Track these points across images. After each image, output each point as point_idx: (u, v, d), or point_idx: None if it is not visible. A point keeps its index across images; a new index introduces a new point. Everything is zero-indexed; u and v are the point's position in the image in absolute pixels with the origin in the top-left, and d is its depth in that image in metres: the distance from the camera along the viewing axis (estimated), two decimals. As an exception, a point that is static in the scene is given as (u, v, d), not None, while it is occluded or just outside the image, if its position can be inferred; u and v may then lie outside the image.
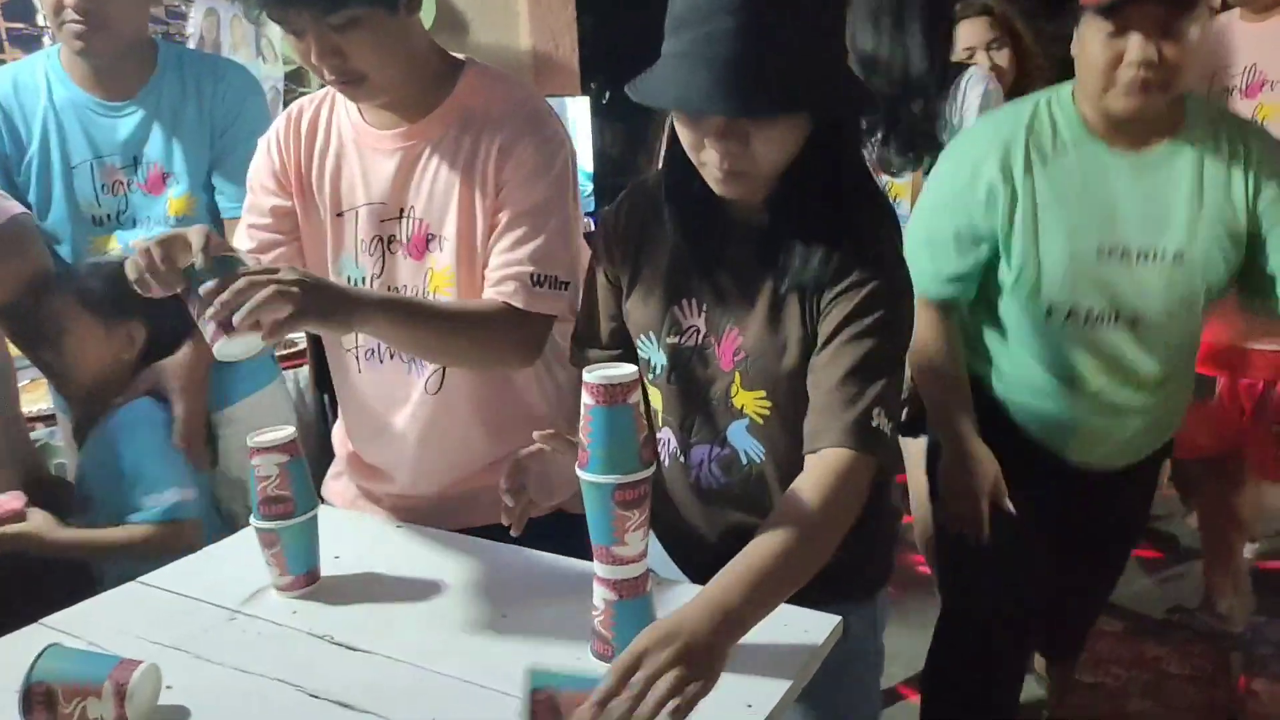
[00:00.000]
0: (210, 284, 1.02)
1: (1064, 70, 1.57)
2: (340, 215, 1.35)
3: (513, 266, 1.26)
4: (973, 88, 1.93)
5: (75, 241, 1.76)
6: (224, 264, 1.04)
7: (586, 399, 0.94)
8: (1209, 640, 2.34)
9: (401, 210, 1.32)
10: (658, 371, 1.19)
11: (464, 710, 0.96)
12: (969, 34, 2.29)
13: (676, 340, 1.16)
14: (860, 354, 1.05)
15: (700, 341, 1.15)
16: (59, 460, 2.05)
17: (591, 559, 1.00)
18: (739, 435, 1.15)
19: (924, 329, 1.55)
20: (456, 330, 1.25)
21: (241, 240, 1.39)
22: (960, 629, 1.79)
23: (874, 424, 1.04)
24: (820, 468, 1.04)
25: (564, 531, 1.34)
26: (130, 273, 1.07)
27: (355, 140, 1.34)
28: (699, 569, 1.20)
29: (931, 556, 2.10)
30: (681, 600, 1.07)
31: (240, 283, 1.00)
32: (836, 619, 1.07)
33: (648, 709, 0.81)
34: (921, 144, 1.92)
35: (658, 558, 1.25)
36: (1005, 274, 1.54)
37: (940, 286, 1.59)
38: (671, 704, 0.81)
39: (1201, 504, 2.55)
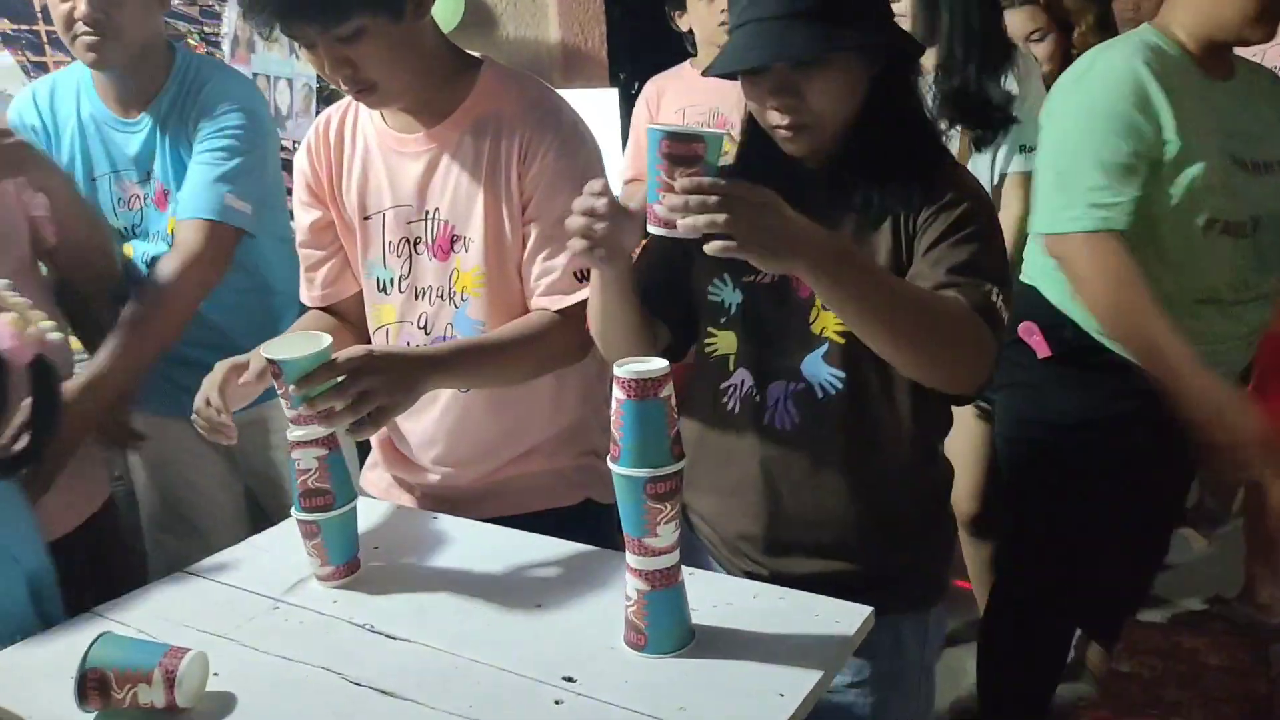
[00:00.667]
0: (299, 411, 1.12)
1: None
2: (368, 219, 1.38)
3: (554, 273, 1.30)
4: (1029, 73, 2.02)
5: None
6: (290, 368, 1.10)
7: (618, 393, 0.95)
8: (1248, 631, 2.32)
9: (426, 212, 1.34)
10: (732, 312, 1.21)
11: (501, 698, 0.98)
12: (1011, 24, 2.27)
13: (753, 278, 1.19)
14: (971, 252, 1.08)
15: (776, 278, 1.17)
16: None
17: (622, 548, 1.02)
18: (815, 366, 1.17)
19: (1117, 267, 1.52)
20: (518, 356, 1.30)
21: (300, 259, 1.47)
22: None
23: (993, 300, 1.06)
24: (952, 297, 1.05)
25: (594, 520, 1.36)
26: (204, 434, 1.24)
27: (379, 144, 1.36)
28: (744, 539, 1.22)
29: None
30: (715, 591, 1.10)
31: (327, 399, 1.09)
32: (868, 609, 1.08)
33: None
34: (972, 119, 2.00)
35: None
36: (1165, 194, 1.56)
37: (1128, 214, 1.52)
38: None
39: (1246, 490, 2.52)
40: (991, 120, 1.99)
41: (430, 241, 1.35)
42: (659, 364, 0.96)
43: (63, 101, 1.76)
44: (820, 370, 1.16)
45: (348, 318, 1.46)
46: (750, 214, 0.92)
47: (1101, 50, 1.67)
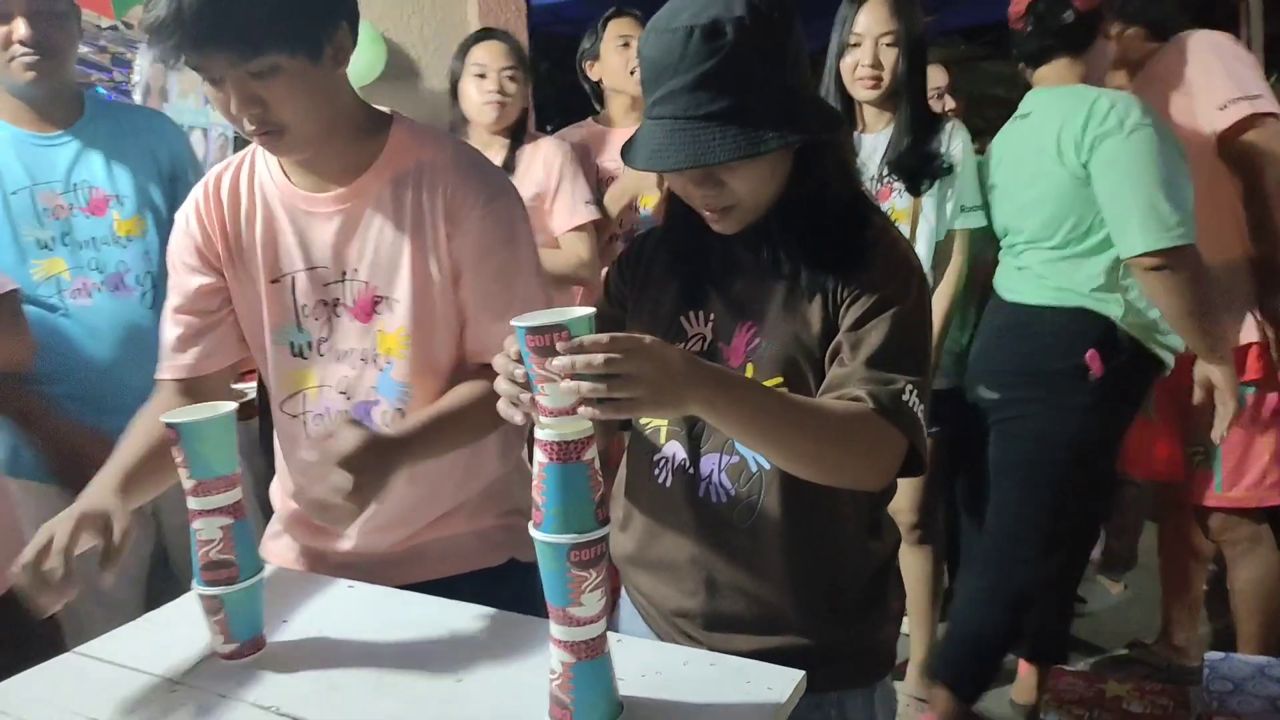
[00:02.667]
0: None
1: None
2: (276, 281, 1.31)
3: (490, 340, 1.26)
4: (956, 134, 2.20)
5: (15, 266, 1.74)
6: (188, 431, 1.05)
7: (540, 456, 0.92)
8: (1168, 676, 2.36)
9: (344, 273, 1.29)
10: None
11: (417, 783, 0.93)
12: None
13: (682, 347, 1.16)
14: (887, 338, 1.07)
15: (706, 348, 1.16)
16: None
17: (545, 610, 0.97)
18: None
19: (1201, 270, 1.90)
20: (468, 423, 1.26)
21: (167, 328, 1.35)
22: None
23: (904, 399, 1.05)
24: (857, 405, 1.04)
25: (519, 580, 1.31)
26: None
27: (285, 203, 1.30)
28: (682, 616, 1.19)
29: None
30: (642, 659, 1.06)
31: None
32: (800, 674, 1.05)
33: None
34: (918, 176, 2.18)
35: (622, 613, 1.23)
36: None
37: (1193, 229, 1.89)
38: None
39: (1160, 531, 2.58)
40: (930, 171, 2.18)
41: (350, 304, 1.30)
42: (582, 424, 0.91)
43: None
44: None
45: (209, 394, 1.30)
46: (632, 372, 0.88)
47: (1127, 105, 1.93)
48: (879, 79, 2.14)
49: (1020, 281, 2.12)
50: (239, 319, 1.36)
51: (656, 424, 1.21)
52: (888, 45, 2.13)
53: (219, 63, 1.11)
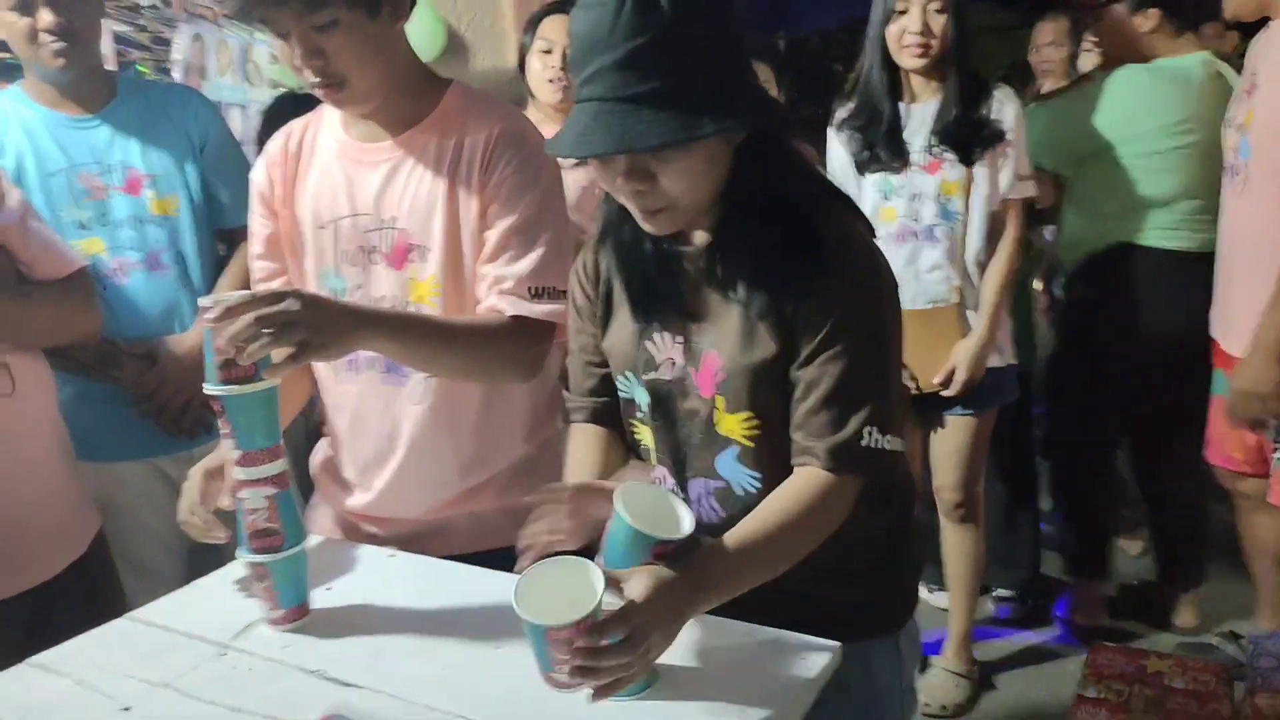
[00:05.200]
0: (214, 320, 1.03)
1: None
2: (322, 228, 1.36)
3: (509, 280, 1.28)
4: (1008, 101, 2.15)
5: None
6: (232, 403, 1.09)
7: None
8: (1211, 654, 2.33)
9: (383, 220, 1.32)
10: (644, 409, 1.17)
11: (459, 746, 0.95)
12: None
13: (654, 376, 1.15)
14: (843, 371, 1.04)
15: (678, 373, 1.13)
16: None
17: None
18: (729, 466, 1.13)
19: None
20: (460, 344, 1.27)
21: (252, 274, 1.45)
22: None
23: (863, 443, 1.03)
24: (802, 482, 1.05)
25: None
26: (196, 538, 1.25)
27: (340, 155, 1.35)
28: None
29: None
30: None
31: (246, 318, 1.02)
32: (835, 645, 1.06)
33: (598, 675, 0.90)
34: (970, 145, 2.13)
35: None
36: None
37: None
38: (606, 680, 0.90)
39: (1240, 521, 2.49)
40: (981, 140, 2.13)
41: (386, 250, 1.33)
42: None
43: None
44: (736, 471, 1.13)
45: None
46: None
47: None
48: (928, 46, 2.08)
49: None
50: (292, 269, 1.41)
51: (645, 443, 1.20)
52: (937, 11, 2.06)
53: (286, 16, 1.17)
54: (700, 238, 1.11)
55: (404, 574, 1.30)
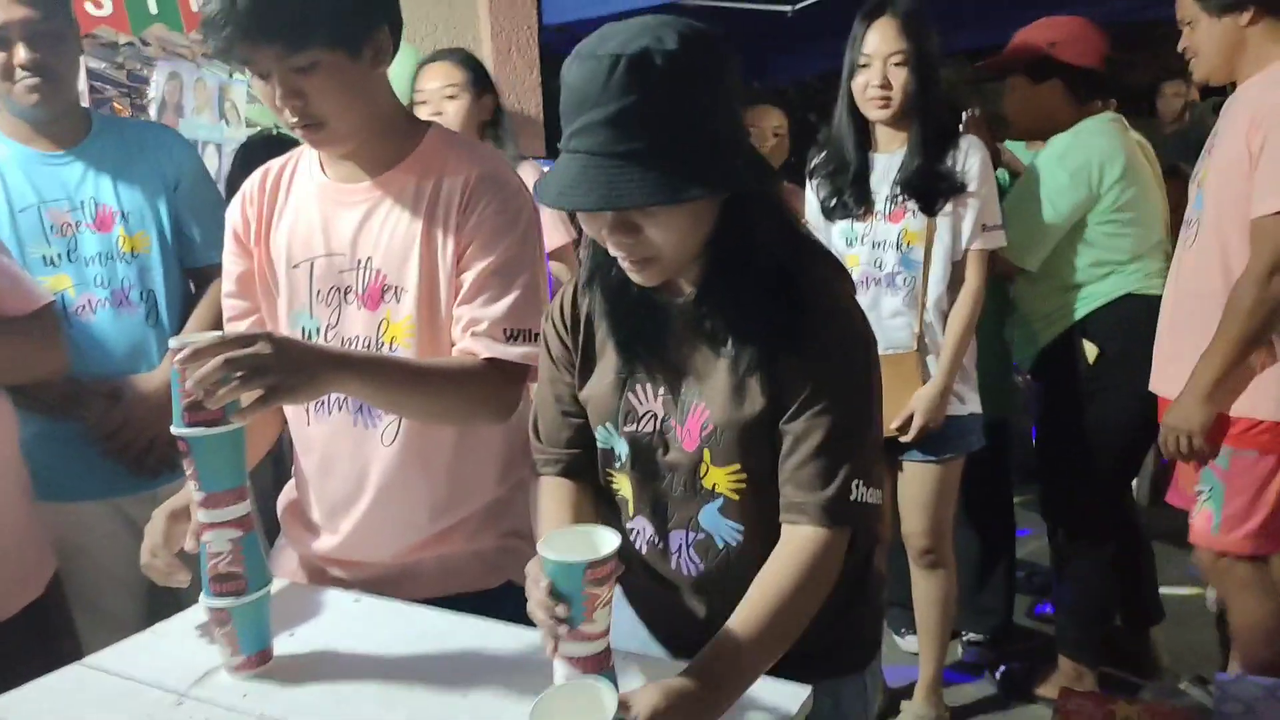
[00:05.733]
0: (183, 361, 1.02)
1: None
2: (296, 267, 1.36)
3: (484, 322, 1.27)
4: (973, 152, 2.18)
5: None
6: (199, 445, 1.07)
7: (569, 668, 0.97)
8: (1179, 699, 2.33)
9: (359, 260, 1.32)
10: (622, 461, 1.17)
11: (422, 798, 0.93)
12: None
13: (634, 428, 1.14)
14: (831, 425, 1.04)
15: (660, 426, 1.13)
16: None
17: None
18: (711, 518, 1.12)
19: None
20: (431, 385, 1.26)
21: (225, 305, 1.44)
22: None
23: (852, 498, 1.04)
24: (797, 545, 1.04)
25: (514, 603, 1.30)
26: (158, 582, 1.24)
27: (317, 195, 1.35)
28: (685, 648, 1.17)
29: None
30: (648, 674, 1.05)
31: (216, 361, 1.01)
32: (807, 689, 1.05)
33: None
34: (932, 196, 2.16)
35: (624, 627, 1.23)
36: None
37: None
38: None
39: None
40: (943, 191, 2.17)
41: (361, 291, 1.32)
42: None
43: None
44: (718, 523, 1.13)
45: None
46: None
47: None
48: (888, 99, 2.14)
49: None
50: (264, 308, 1.40)
51: (624, 494, 1.19)
52: (896, 65, 2.13)
53: (267, 56, 1.18)
54: (687, 290, 1.11)
55: (370, 619, 1.27)
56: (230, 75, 2.87)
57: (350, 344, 1.33)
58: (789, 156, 3.01)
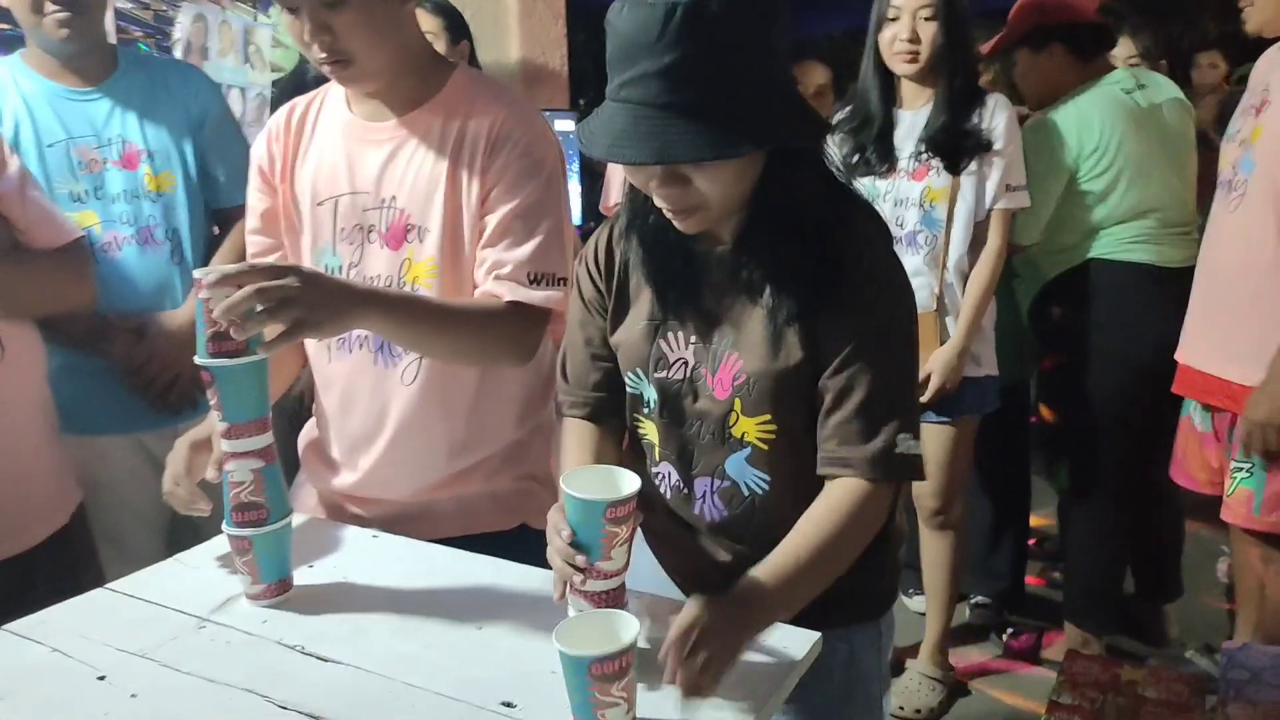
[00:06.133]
0: (210, 287, 1.03)
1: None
2: (320, 205, 1.36)
3: (508, 265, 1.28)
4: (1000, 110, 2.14)
5: None
6: (223, 374, 1.09)
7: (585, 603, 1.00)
8: (1185, 666, 2.35)
9: (383, 199, 1.33)
10: (650, 406, 1.17)
11: (436, 723, 0.95)
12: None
13: (665, 375, 1.14)
14: (874, 380, 1.05)
15: (690, 374, 1.13)
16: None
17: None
18: (738, 466, 1.13)
19: None
20: (457, 326, 1.27)
21: (247, 248, 1.46)
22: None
23: (897, 450, 1.05)
24: (843, 493, 1.06)
25: (529, 546, 1.32)
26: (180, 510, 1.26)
27: (343, 132, 1.36)
28: (704, 591, 1.19)
29: None
30: (663, 615, 1.07)
31: (246, 290, 1.01)
32: (815, 635, 1.07)
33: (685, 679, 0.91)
34: (957, 154, 2.13)
35: (644, 570, 1.24)
36: None
37: None
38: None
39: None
40: (969, 149, 2.13)
41: (383, 230, 1.33)
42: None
43: None
44: (745, 471, 1.13)
45: None
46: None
47: None
48: (916, 53, 2.11)
49: None
50: (288, 245, 1.41)
51: (650, 439, 1.20)
52: (925, 19, 2.09)
53: None
54: (725, 240, 1.10)
55: (387, 555, 1.30)
56: (255, 18, 2.86)
57: (372, 282, 1.34)
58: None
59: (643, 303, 1.16)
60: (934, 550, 2.41)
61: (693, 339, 1.13)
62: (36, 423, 1.51)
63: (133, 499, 1.83)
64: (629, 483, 0.99)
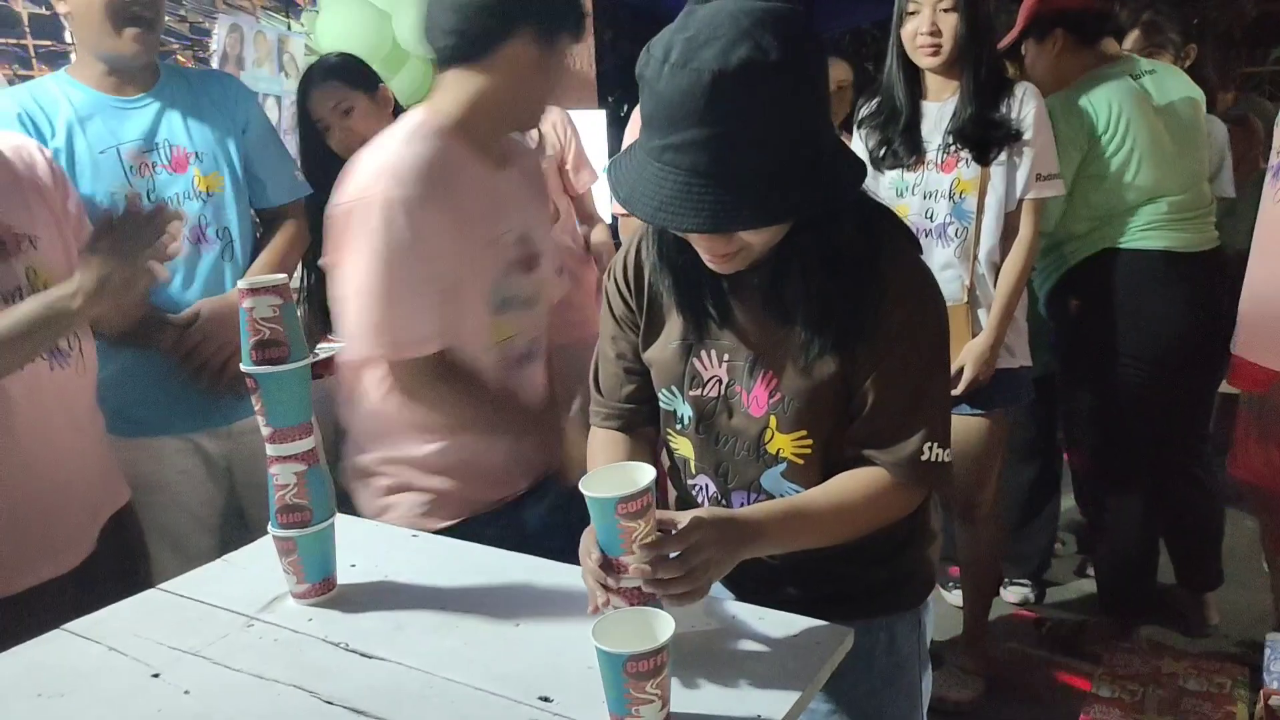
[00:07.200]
0: (254, 300, 1.07)
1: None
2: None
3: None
4: (1029, 100, 2.12)
5: None
6: (267, 381, 1.12)
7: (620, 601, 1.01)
8: (1227, 657, 2.32)
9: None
10: (685, 423, 1.19)
11: (476, 717, 0.97)
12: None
13: (699, 393, 1.15)
14: (905, 392, 1.07)
15: (724, 391, 1.14)
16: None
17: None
18: (774, 481, 1.15)
19: None
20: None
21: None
22: None
23: (924, 458, 1.07)
24: (871, 478, 1.09)
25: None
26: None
27: None
28: (740, 584, 1.21)
29: None
30: (691, 613, 1.09)
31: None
32: (849, 631, 1.08)
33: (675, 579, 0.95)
34: (985, 145, 2.11)
35: None
36: None
37: None
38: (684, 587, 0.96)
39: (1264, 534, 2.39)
40: (997, 139, 2.12)
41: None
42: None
43: (46, 98, 1.80)
44: (780, 485, 1.15)
45: None
46: (705, 560, 0.97)
47: None
48: (938, 46, 2.09)
49: None
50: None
51: (684, 454, 1.21)
52: (945, 10, 2.07)
53: None
54: (761, 269, 1.08)
55: (426, 553, 1.33)
56: (289, 28, 2.92)
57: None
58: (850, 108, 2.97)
59: (674, 321, 1.16)
60: (967, 544, 2.40)
61: (726, 357, 1.13)
62: (92, 428, 1.56)
63: (186, 499, 1.90)
64: (643, 475, 1.00)
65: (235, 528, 1.94)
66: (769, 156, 0.92)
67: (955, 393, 2.18)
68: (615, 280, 1.22)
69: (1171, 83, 2.42)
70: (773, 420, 1.12)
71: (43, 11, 2.51)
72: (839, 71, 2.89)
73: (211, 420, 1.88)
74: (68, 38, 2.54)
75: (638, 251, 1.19)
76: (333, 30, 2.78)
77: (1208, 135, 2.50)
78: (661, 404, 1.21)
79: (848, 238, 1.05)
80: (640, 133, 0.98)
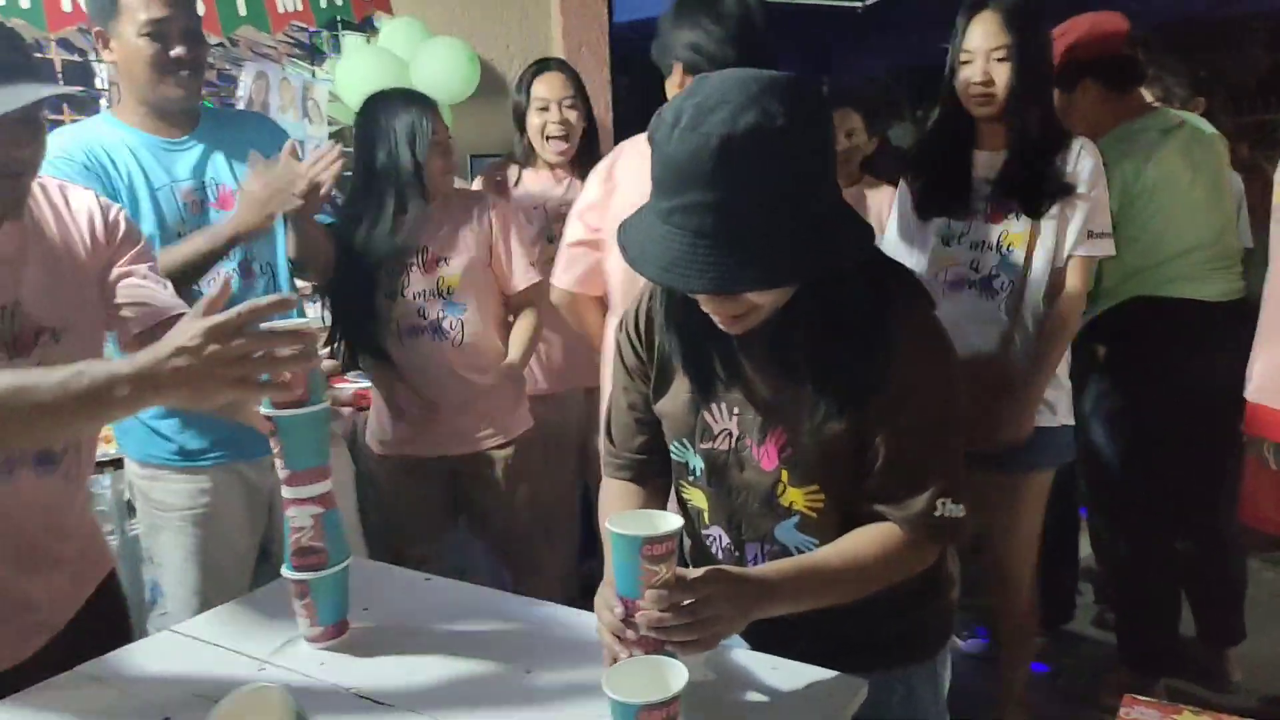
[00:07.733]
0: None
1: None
2: None
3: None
4: (1085, 154, 2.05)
5: None
6: (285, 424, 1.13)
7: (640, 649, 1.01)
8: (1249, 712, 2.27)
9: None
10: (696, 475, 1.19)
11: (487, 767, 0.97)
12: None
13: (710, 446, 1.16)
14: (916, 447, 1.07)
15: (735, 445, 1.14)
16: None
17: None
18: (788, 534, 1.15)
19: None
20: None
21: None
22: None
23: (937, 514, 1.07)
24: (884, 534, 1.09)
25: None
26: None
27: None
28: (756, 635, 1.20)
29: None
30: (713, 664, 1.08)
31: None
32: (863, 683, 1.07)
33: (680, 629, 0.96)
34: (1035, 198, 2.03)
35: None
36: None
37: None
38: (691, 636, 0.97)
39: None
40: (1048, 193, 2.04)
41: None
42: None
43: (103, 138, 1.84)
44: (795, 538, 1.15)
45: None
46: (716, 613, 0.97)
47: None
48: (991, 96, 2.02)
49: None
50: None
51: (698, 505, 1.21)
52: (999, 60, 2.00)
53: None
54: (768, 329, 1.09)
55: (439, 598, 1.33)
56: (313, 75, 2.98)
57: None
58: (865, 156, 2.98)
59: (684, 376, 1.16)
60: (1007, 613, 2.30)
61: (736, 410, 1.14)
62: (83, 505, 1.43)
63: (229, 531, 1.95)
64: (669, 523, 1.00)
65: (264, 565, 1.99)
66: (775, 219, 0.93)
67: (991, 453, 2.05)
68: (627, 332, 1.23)
69: (1201, 134, 2.42)
70: (784, 474, 1.12)
71: (75, 59, 2.58)
72: (851, 121, 2.90)
73: (255, 449, 1.84)
74: (97, 84, 2.60)
75: (649, 304, 1.20)
76: (353, 77, 2.84)
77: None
78: (673, 455, 1.21)
79: (855, 297, 1.05)
80: (650, 194, 1.00)
